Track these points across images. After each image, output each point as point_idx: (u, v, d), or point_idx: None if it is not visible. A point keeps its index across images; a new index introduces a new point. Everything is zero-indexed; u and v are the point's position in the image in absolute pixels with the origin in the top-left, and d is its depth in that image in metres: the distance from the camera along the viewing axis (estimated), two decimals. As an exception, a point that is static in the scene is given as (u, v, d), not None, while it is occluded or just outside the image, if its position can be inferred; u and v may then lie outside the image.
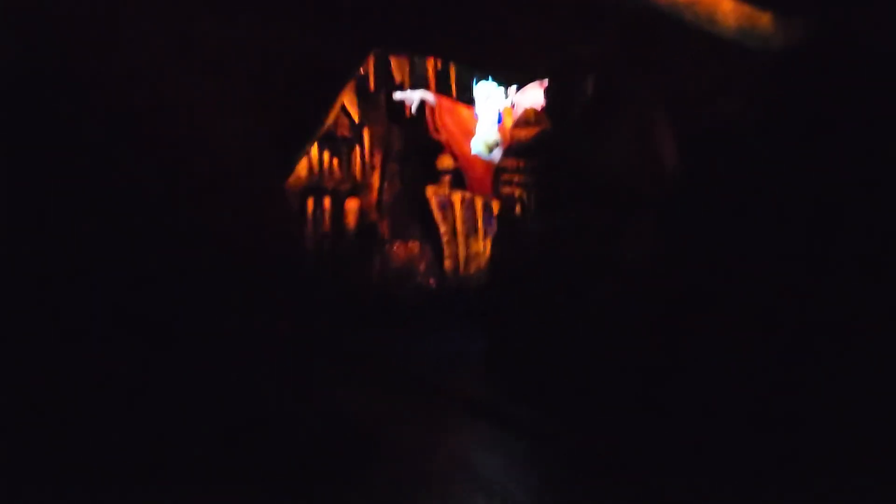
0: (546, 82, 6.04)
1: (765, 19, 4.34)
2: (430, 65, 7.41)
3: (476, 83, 7.36)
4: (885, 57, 4.10)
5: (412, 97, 7.44)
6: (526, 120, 7.35)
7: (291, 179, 6.58)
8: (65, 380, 3.22)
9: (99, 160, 3.25)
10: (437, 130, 7.37)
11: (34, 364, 3.20)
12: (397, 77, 7.24)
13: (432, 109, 7.38)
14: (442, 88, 7.47)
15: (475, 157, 7.10)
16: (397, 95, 7.47)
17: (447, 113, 7.33)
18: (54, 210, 3.28)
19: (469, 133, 7.21)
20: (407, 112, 7.58)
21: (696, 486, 3.24)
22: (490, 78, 7.28)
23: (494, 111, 7.19)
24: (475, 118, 7.27)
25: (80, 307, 3.30)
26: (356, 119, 7.57)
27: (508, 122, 7.05)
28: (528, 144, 7.10)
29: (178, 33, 3.52)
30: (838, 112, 4.25)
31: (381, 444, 3.80)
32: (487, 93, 7.26)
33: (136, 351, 3.35)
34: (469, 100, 7.42)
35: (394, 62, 7.12)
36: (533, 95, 6.66)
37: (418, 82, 7.49)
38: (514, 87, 7.12)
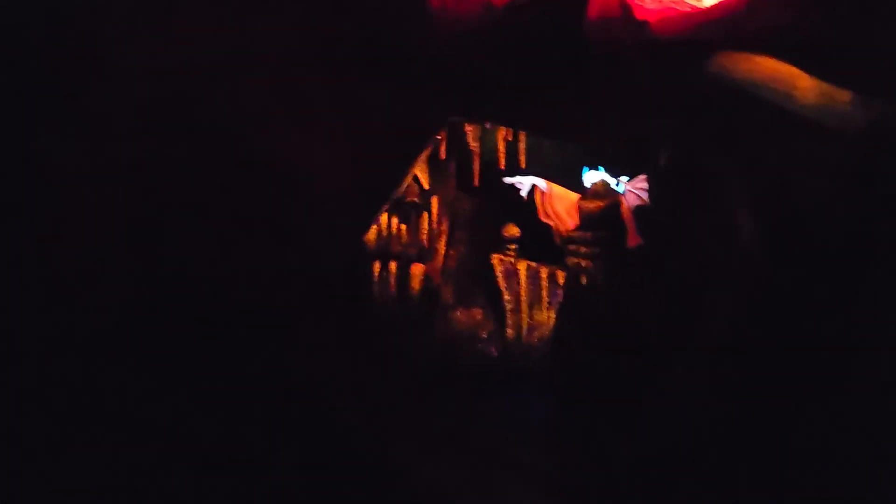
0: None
1: (844, 97, 4.31)
2: (501, 135, 7.54)
3: (585, 171, 7.55)
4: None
5: (524, 182, 7.65)
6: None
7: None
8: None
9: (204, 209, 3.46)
10: (546, 215, 7.54)
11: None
12: (471, 145, 7.40)
13: (542, 195, 7.58)
14: (511, 158, 7.59)
15: None
16: (508, 180, 7.67)
17: (557, 199, 7.52)
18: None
19: (577, 219, 7.37)
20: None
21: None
22: (600, 168, 7.46)
23: None
24: None
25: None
26: (425, 185, 7.70)
27: None
28: (596, 216, 7.14)
29: (280, 90, 3.74)
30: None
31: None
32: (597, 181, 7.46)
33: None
34: (579, 187, 7.59)
35: (468, 130, 7.29)
36: (644, 184, 6.77)
37: (488, 153, 7.64)
38: (625, 177, 7.29)
